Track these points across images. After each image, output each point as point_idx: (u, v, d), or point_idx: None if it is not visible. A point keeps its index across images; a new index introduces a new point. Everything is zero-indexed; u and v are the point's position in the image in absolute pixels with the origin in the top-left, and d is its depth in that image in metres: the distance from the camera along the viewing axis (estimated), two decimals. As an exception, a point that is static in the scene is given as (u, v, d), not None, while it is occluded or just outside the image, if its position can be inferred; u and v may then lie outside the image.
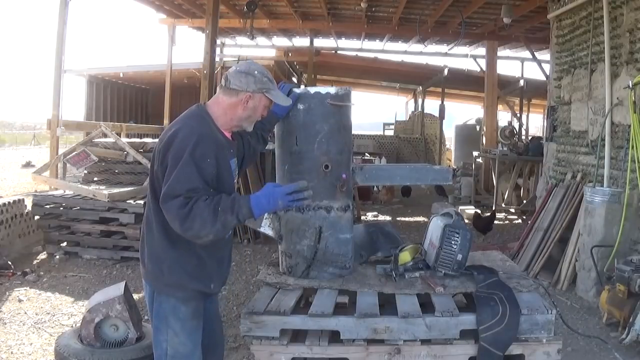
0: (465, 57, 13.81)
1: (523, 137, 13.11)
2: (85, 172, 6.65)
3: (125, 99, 16.07)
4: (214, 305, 2.47)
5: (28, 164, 15.66)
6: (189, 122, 2.16)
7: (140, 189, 5.90)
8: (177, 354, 2.21)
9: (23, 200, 6.08)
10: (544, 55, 11.51)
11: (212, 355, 2.42)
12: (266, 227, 2.71)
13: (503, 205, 9.45)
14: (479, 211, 8.06)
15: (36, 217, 5.95)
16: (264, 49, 14.72)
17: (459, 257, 2.74)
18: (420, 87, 18.82)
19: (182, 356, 2.21)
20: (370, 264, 3.01)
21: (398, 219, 8.89)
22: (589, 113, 5.48)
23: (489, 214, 7.74)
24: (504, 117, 16.45)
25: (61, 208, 5.81)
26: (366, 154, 13.82)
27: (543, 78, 10.71)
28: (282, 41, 13.87)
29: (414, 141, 17.43)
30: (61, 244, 5.81)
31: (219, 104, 2.22)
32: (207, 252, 2.19)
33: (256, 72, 2.20)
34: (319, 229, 2.66)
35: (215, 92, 2.34)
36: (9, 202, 5.76)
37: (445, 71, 15.12)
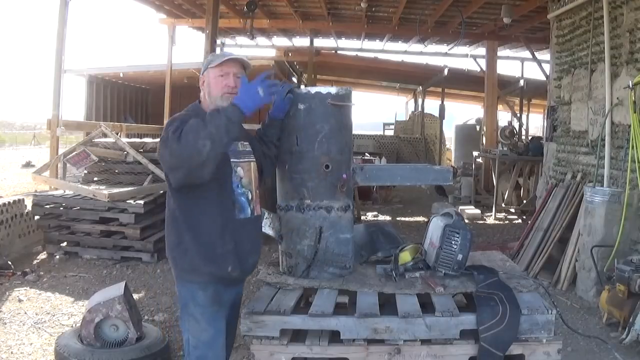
0: (465, 57, 13.82)
1: (523, 137, 13.11)
2: (85, 172, 6.65)
3: (125, 99, 16.05)
4: (237, 297, 2.44)
5: (28, 164, 15.67)
6: (176, 115, 2.31)
7: (140, 189, 5.90)
8: (199, 343, 2.18)
9: (23, 200, 6.07)
10: (544, 55, 11.50)
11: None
12: (266, 227, 2.71)
13: (503, 205, 9.45)
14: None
15: (36, 217, 5.94)
16: (264, 49, 14.73)
17: (459, 257, 2.74)
18: (420, 87, 18.81)
19: (204, 345, 2.18)
20: (370, 264, 3.00)
21: (398, 219, 8.89)
22: (589, 113, 5.48)
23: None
24: (504, 117, 16.45)
25: (61, 208, 5.82)
26: (366, 154, 13.81)
27: (543, 78, 10.71)
28: (282, 41, 13.87)
29: (414, 141, 17.41)
30: (61, 244, 5.81)
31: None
32: (219, 231, 2.18)
33: (209, 56, 2.41)
34: (320, 229, 2.66)
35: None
36: (9, 202, 5.75)
37: (445, 71, 15.11)
